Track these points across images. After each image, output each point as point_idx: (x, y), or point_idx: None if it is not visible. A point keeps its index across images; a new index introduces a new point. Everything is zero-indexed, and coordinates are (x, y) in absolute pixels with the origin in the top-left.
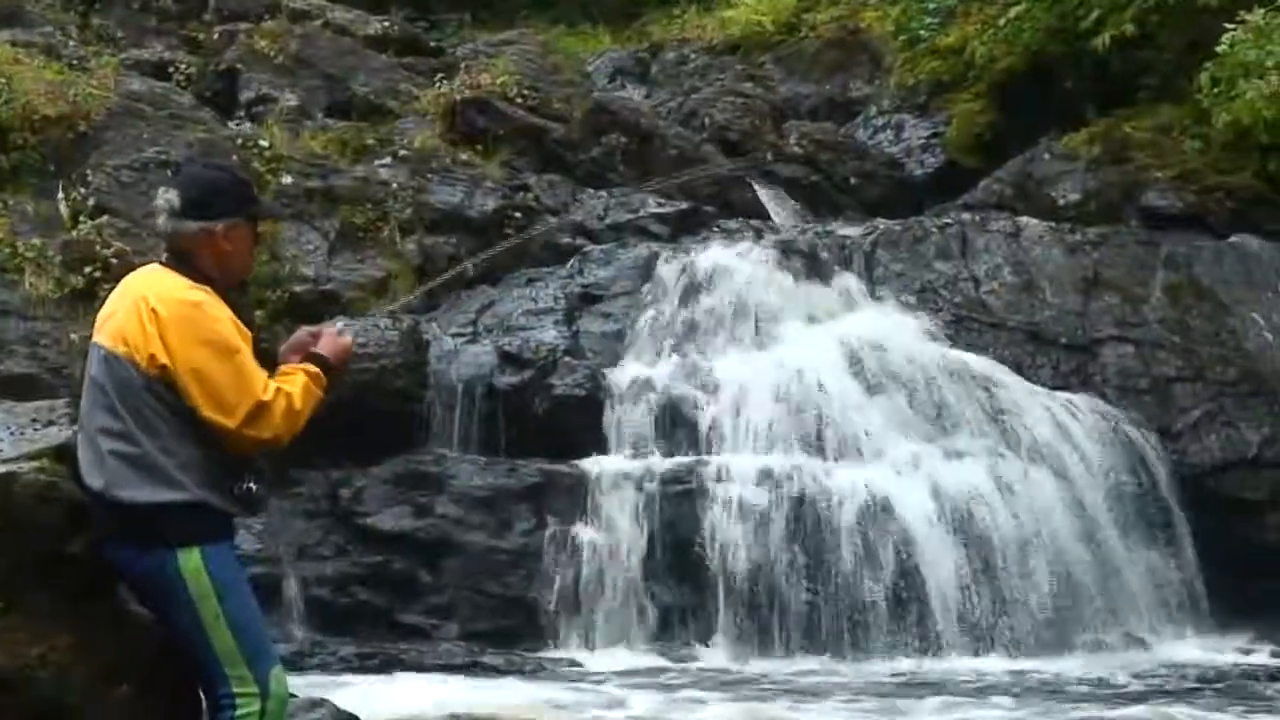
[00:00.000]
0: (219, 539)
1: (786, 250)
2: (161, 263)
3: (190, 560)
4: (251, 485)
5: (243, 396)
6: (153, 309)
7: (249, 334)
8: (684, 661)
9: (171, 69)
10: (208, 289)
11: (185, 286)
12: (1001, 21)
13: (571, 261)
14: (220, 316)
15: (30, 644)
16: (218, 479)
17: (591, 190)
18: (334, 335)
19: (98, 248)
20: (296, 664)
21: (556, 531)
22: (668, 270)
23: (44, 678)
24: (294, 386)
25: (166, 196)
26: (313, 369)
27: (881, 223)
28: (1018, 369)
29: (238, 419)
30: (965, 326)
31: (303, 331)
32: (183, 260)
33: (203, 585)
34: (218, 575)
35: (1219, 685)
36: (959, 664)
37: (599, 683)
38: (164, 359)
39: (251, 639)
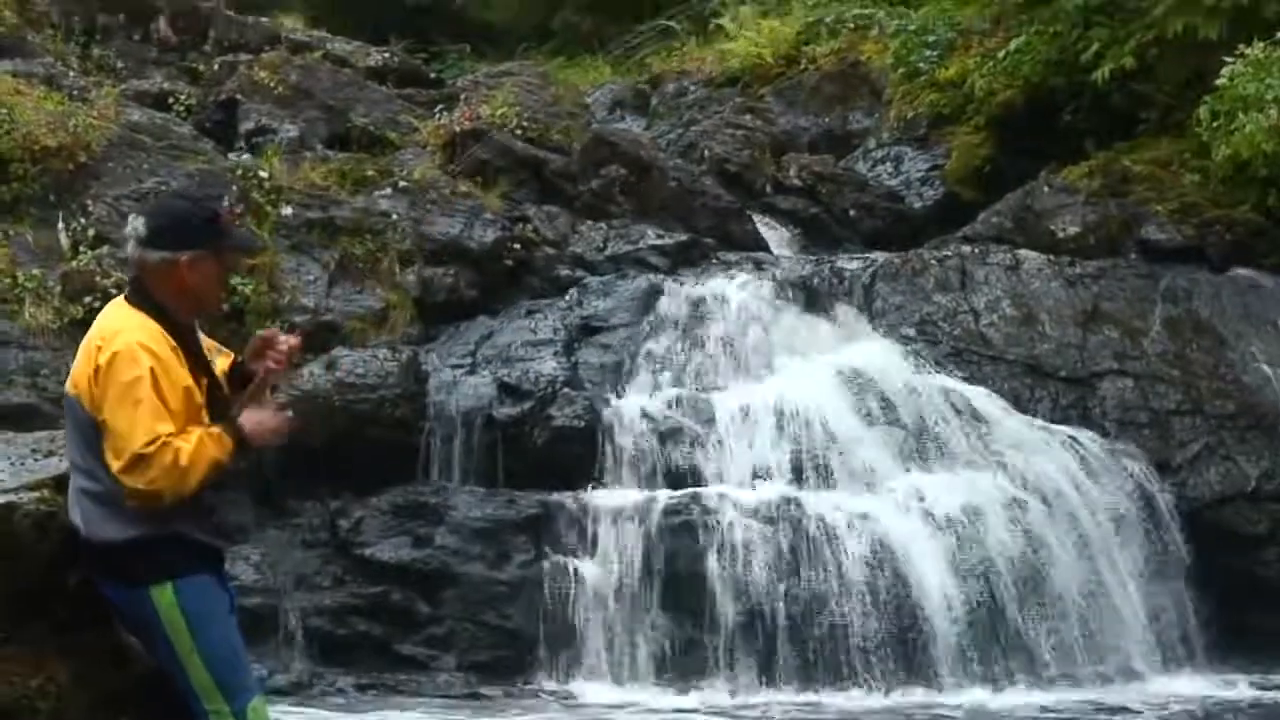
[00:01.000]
0: (193, 572)
1: (786, 282)
2: (125, 296)
3: (163, 595)
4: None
5: (127, 444)
6: (97, 351)
7: (187, 377)
8: (682, 694)
9: (171, 100)
10: (156, 324)
11: (128, 326)
12: (1001, 54)
13: (570, 293)
14: (142, 361)
15: (30, 674)
16: (191, 511)
17: (591, 222)
18: (264, 415)
19: (98, 278)
20: (295, 695)
21: (555, 563)
22: (667, 302)
23: (43, 708)
24: (187, 443)
25: (135, 224)
26: (215, 430)
27: (880, 255)
28: (1017, 402)
29: (118, 465)
30: (964, 359)
31: (256, 338)
32: (141, 291)
33: (175, 620)
34: (190, 609)
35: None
36: (956, 697)
37: (596, 716)
38: (98, 399)
39: (228, 673)
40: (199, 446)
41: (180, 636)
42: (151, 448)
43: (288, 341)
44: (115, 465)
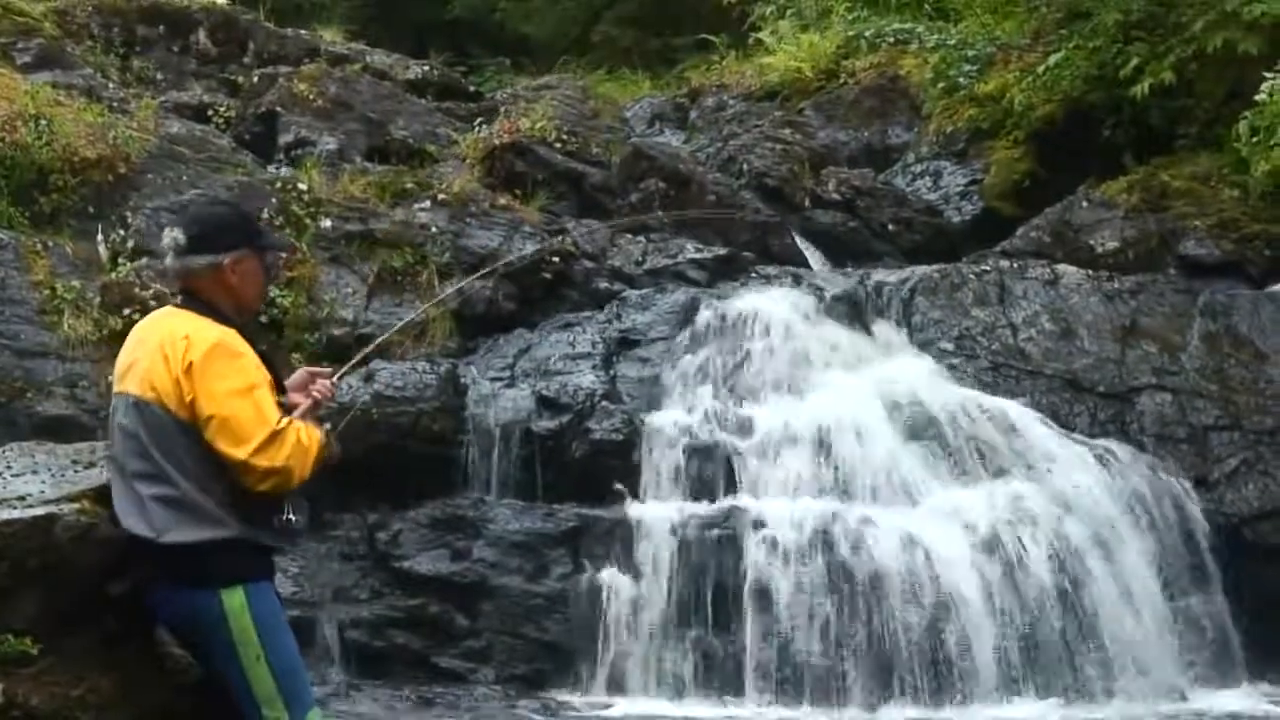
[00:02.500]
0: (261, 578)
1: (824, 296)
2: (176, 305)
3: (234, 599)
4: (292, 516)
5: (257, 428)
6: (177, 350)
7: (267, 374)
8: (718, 709)
9: (211, 112)
10: (224, 326)
11: (204, 325)
12: (1040, 69)
13: (609, 306)
14: (240, 352)
15: (71, 685)
16: (258, 515)
17: (630, 235)
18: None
19: (137, 289)
20: (331, 706)
21: (593, 576)
22: (705, 316)
23: (84, 719)
24: (301, 425)
25: (173, 235)
26: (308, 423)
27: (919, 269)
28: (1055, 417)
29: (249, 449)
30: (1003, 374)
31: (303, 371)
32: (194, 298)
33: (245, 625)
34: (260, 615)
35: None
36: (994, 711)
37: None
38: (190, 394)
39: (291, 681)
40: (310, 431)
41: (248, 642)
42: (282, 425)
43: (332, 372)
44: (241, 451)
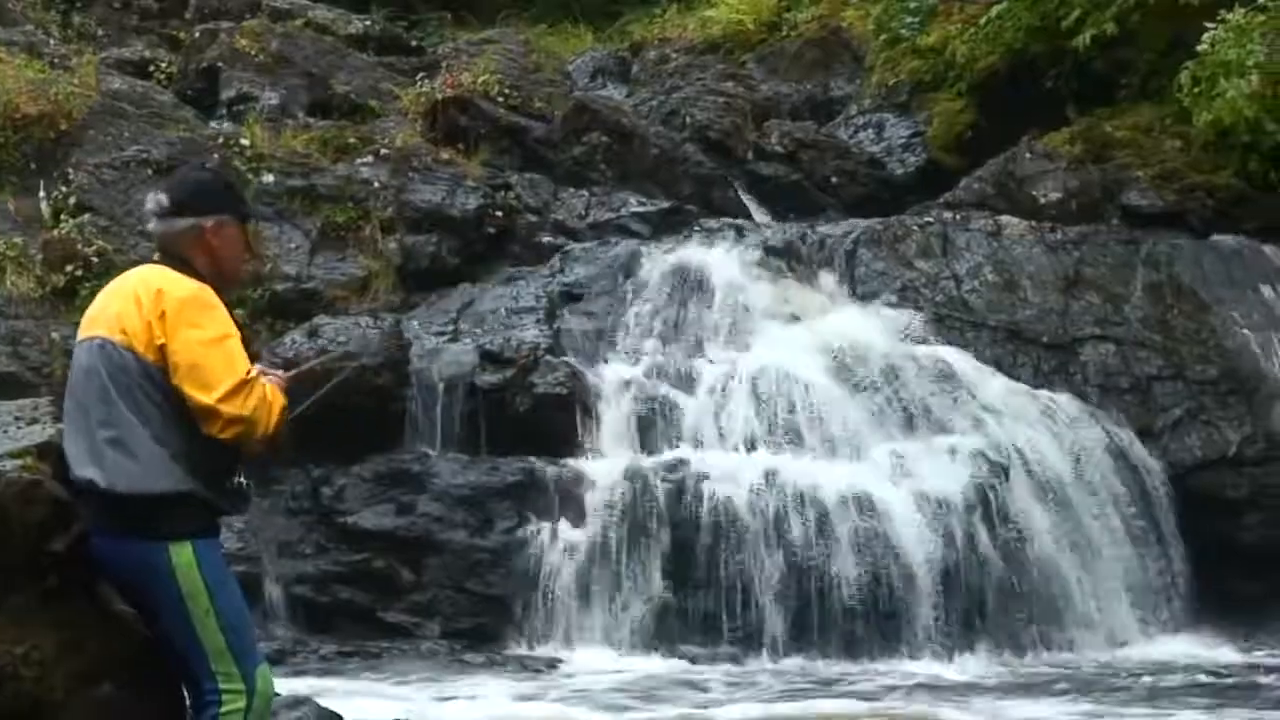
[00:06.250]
0: (209, 534)
1: (768, 249)
2: (159, 261)
3: (183, 554)
4: (242, 480)
5: (226, 375)
6: (151, 295)
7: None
8: (666, 660)
9: (152, 68)
10: (203, 284)
11: (181, 278)
12: (983, 21)
13: (552, 260)
14: (215, 304)
15: (13, 642)
16: (209, 472)
17: (573, 189)
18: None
19: (79, 246)
20: (278, 661)
21: (538, 530)
22: (649, 269)
23: (28, 675)
24: (269, 382)
25: (156, 198)
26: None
27: (862, 222)
28: (999, 368)
29: (216, 394)
30: (946, 325)
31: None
32: (176, 258)
33: (194, 580)
34: (208, 571)
35: (1199, 684)
36: (938, 664)
37: (580, 683)
38: (161, 338)
39: (239, 636)
40: (274, 390)
41: (198, 596)
42: (252, 375)
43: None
44: (209, 396)
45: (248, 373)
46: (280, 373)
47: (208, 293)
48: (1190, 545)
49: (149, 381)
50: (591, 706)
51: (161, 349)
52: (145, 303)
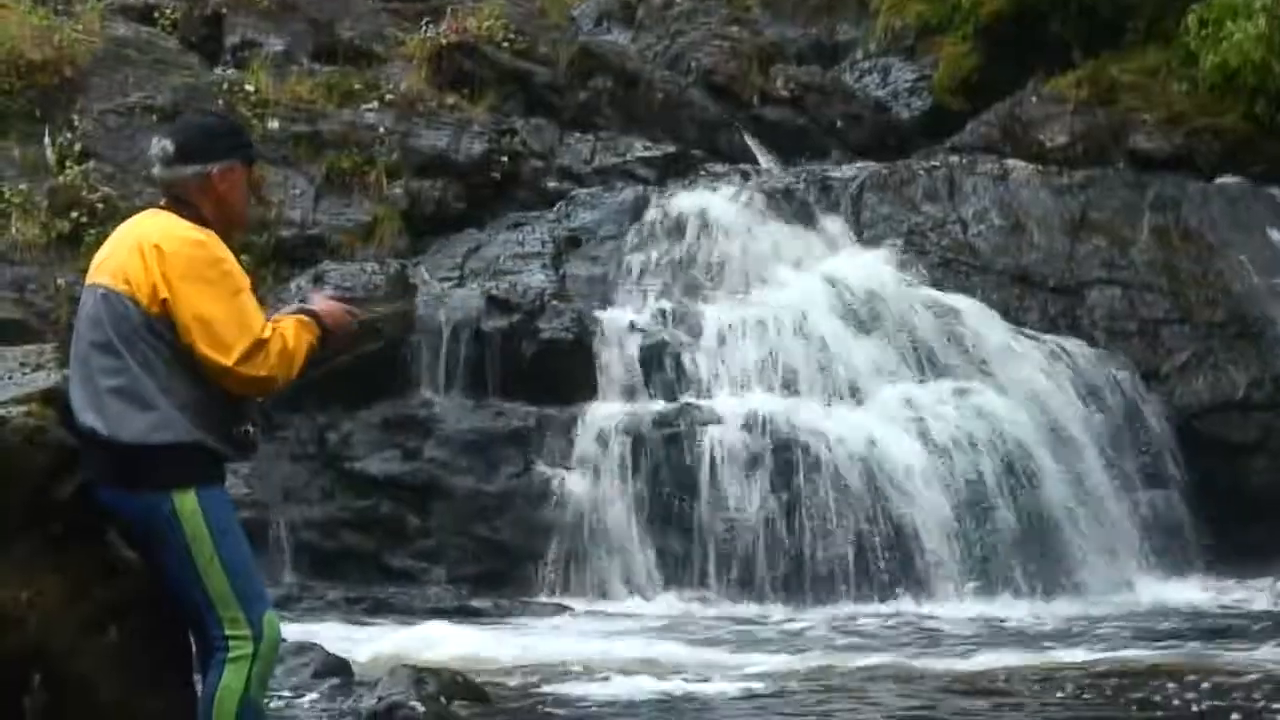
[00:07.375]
0: (213, 482)
1: (773, 193)
2: (160, 207)
3: (186, 502)
4: (250, 429)
5: (241, 334)
6: (155, 245)
7: (247, 279)
8: (672, 605)
9: (157, 14)
10: (210, 231)
11: (188, 226)
12: None
13: (558, 205)
14: (224, 256)
15: (19, 587)
16: (215, 421)
17: (578, 134)
18: (334, 304)
19: (84, 192)
20: (285, 607)
21: (544, 475)
22: (654, 214)
23: (32, 621)
24: (286, 327)
25: (161, 144)
26: (302, 317)
27: (868, 165)
28: (1005, 312)
29: (234, 356)
30: (952, 269)
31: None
32: (183, 204)
33: (198, 527)
34: (213, 518)
35: (1206, 627)
36: (946, 607)
37: (586, 626)
38: (165, 294)
39: (245, 582)
40: (297, 330)
41: (202, 544)
42: (268, 333)
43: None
44: (225, 357)
45: (263, 330)
46: (323, 298)
47: (214, 241)
48: (1198, 489)
49: (152, 333)
50: (590, 650)
51: (165, 303)
52: (148, 253)
